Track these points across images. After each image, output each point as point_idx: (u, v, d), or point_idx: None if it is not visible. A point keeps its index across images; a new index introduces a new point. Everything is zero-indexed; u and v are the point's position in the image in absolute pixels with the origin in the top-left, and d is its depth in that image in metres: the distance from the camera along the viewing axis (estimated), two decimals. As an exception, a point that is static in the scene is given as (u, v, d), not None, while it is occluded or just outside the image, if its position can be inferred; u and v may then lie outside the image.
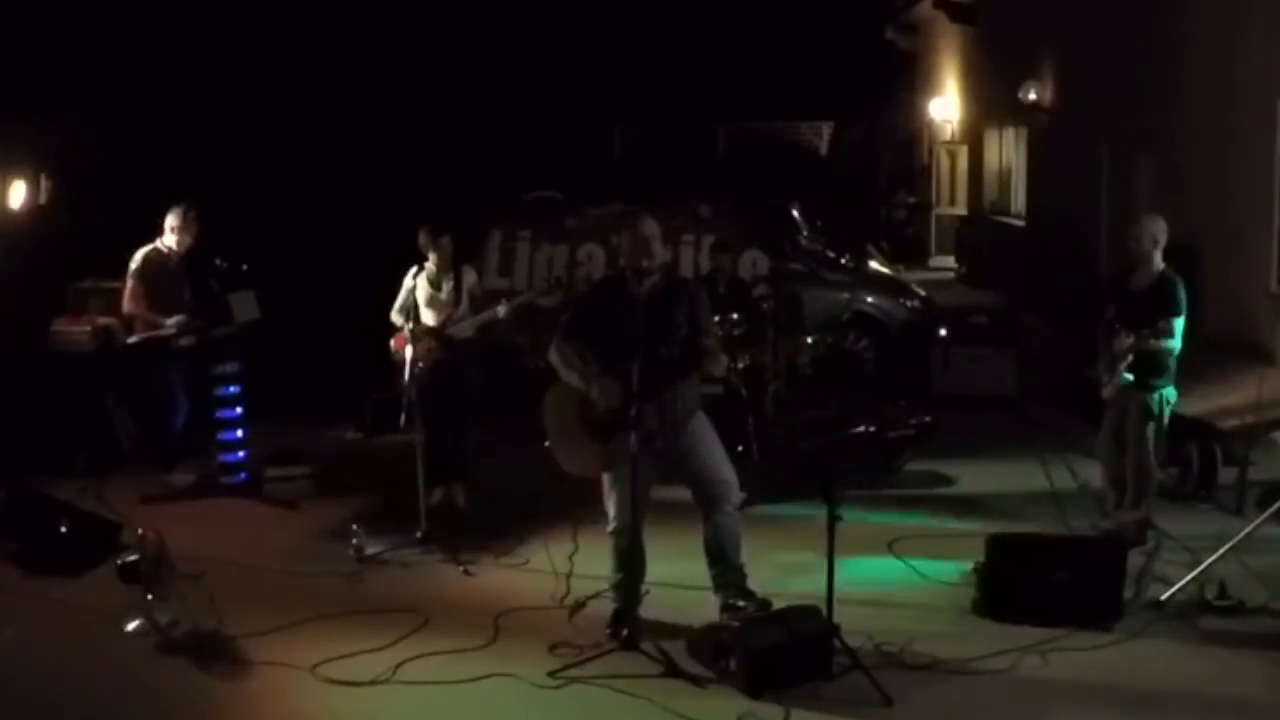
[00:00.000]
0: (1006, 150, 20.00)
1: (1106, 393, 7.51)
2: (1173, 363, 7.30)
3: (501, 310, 8.47)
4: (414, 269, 8.50)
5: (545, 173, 15.99)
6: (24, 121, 10.80)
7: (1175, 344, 7.21)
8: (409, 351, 8.12)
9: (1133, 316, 7.19)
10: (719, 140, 26.86)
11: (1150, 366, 7.24)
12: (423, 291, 8.49)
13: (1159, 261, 7.36)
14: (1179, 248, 7.54)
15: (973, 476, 9.23)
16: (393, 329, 8.57)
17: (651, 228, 6.24)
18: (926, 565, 7.28)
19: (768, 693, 5.63)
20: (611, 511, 6.37)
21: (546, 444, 6.59)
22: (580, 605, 6.72)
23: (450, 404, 8.50)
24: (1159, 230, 7.36)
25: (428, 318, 8.44)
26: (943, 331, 11.84)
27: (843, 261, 13.37)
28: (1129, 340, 7.10)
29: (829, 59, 25.54)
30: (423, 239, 8.52)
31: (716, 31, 26.32)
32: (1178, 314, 7.18)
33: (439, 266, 8.52)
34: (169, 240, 9.04)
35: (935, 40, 23.95)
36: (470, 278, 8.72)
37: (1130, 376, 7.26)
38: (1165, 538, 7.47)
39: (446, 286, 8.53)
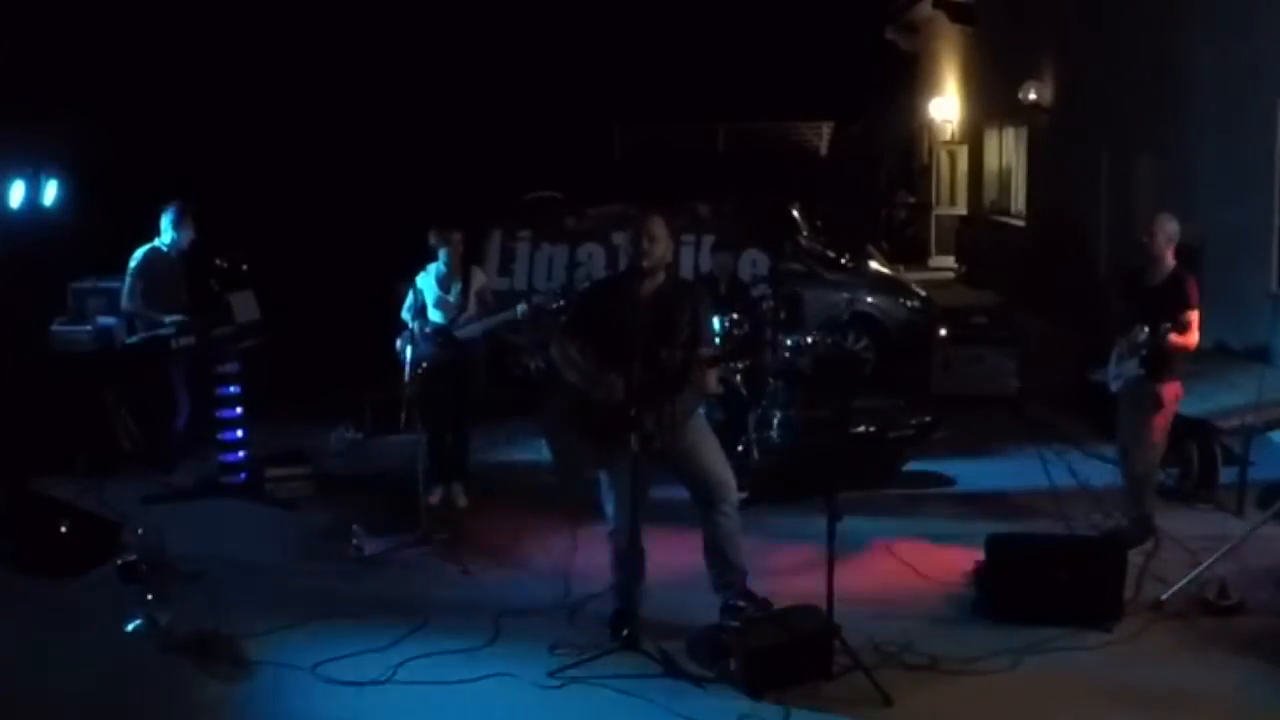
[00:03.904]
0: (1006, 150, 20.00)
1: (1116, 386, 7.54)
2: (1181, 359, 7.33)
3: (520, 310, 8.44)
4: (425, 269, 8.53)
5: (545, 173, 16.00)
6: (24, 121, 10.80)
7: (1193, 340, 7.25)
8: (409, 352, 8.13)
9: (1148, 313, 7.21)
10: (719, 140, 26.87)
11: (1164, 359, 7.26)
12: (430, 292, 8.50)
13: (1171, 260, 7.41)
14: (1179, 248, 7.58)
15: (973, 476, 9.23)
16: (401, 327, 8.56)
17: (655, 229, 6.23)
18: (926, 565, 7.29)
19: (768, 693, 5.63)
20: (610, 511, 6.37)
21: (546, 444, 6.59)
22: (580, 605, 6.72)
23: (454, 404, 8.51)
24: (1173, 230, 7.43)
25: (435, 318, 8.46)
26: (943, 331, 11.84)
27: (843, 261, 13.37)
28: (1144, 334, 7.13)
29: (829, 59, 25.54)
30: (434, 237, 8.51)
31: (716, 31, 26.32)
32: (1194, 308, 7.22)
33: (449, 265, 8.51)
34: (166, 239, 9.04)
35: (935, 40, 23.94)
36: (479, 280, 8.72)
37: (1142, 369, 7.28)
38: (1166, 538, 7.47)
39: (455, 288, 8.54)
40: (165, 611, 6.41)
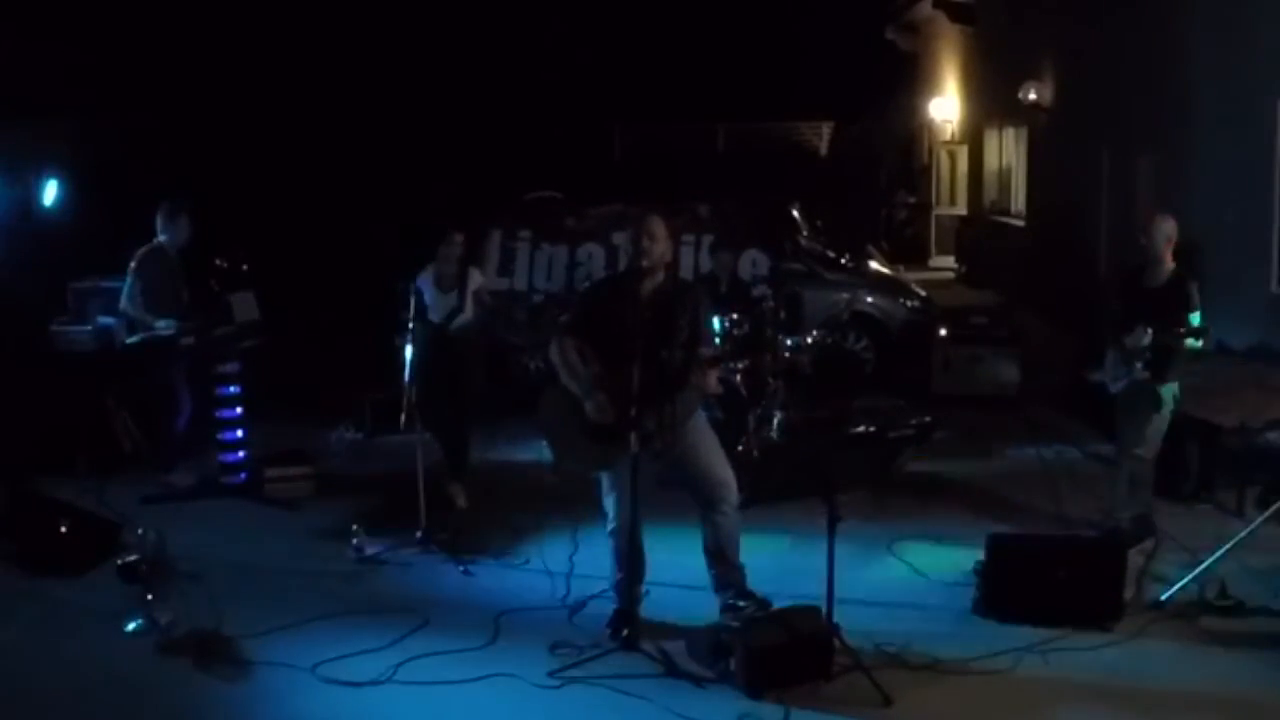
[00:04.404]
0: (1006, 150, 20.00)
1: (1115, 387, 7.55)
2: (1183, 359, 7.34)
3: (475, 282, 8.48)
4: (424, 269, 8.56)
5: (545, 173, 16.00)
6: (24, 121, 10.80)
7: (1204, 342, 7.26)
8: (409, 352, 8.14)
9: (1149, 314, 7.22)
10: (719, 140, 26.85)
11: (1166, 360, 7.27)
12: (429, 292, 8.53)
13: (1170, 260, 7.42)
14: (1179, 247, 7.58)
15: (973, 476, 9.23)
16: (401, 327, 8.58)
17: (655, 228, 6.24)
18: (926, 565, 7.29)
19: (768, 693, 5.63)
20: (610, 511, 6.37)
21: (545, 443, 6.58)
22: (580, 605, 6.73)
23: (452, 404, 8.52)
24: (1171, 230, 7.44)
25: (434, 319, 8.49)
26: (943, 331, 11.84)
27: (843, 261, 13.37)
28: (1146, 336, 7.13)
29: (829, 59, 25.53)
30: (448, 239, 8.56)
31: (716, 31, 26.31)
32: (1196, 309, 7.24)
33: (449, 266, 8.54)
34: (164, 238, 9.02)
35: (935, 40, 23.95)
36: (475, 281, 8.72)
37: (1146, 371, 7.29)
38: (1166, 538, 7.48)
39: (453, 289, 8.57)
40: (165, 611, 6.42)
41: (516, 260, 12.59)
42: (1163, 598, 6.58)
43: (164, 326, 8.79)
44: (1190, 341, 7.10)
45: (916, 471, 9.18)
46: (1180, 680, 5.85)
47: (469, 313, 8.57)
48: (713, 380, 6.49)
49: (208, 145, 15.60)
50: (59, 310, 10.28)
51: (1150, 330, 7.14)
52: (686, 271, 11.73)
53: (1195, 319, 7.23)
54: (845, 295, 12.38)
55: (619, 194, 13.10)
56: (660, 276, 6.31)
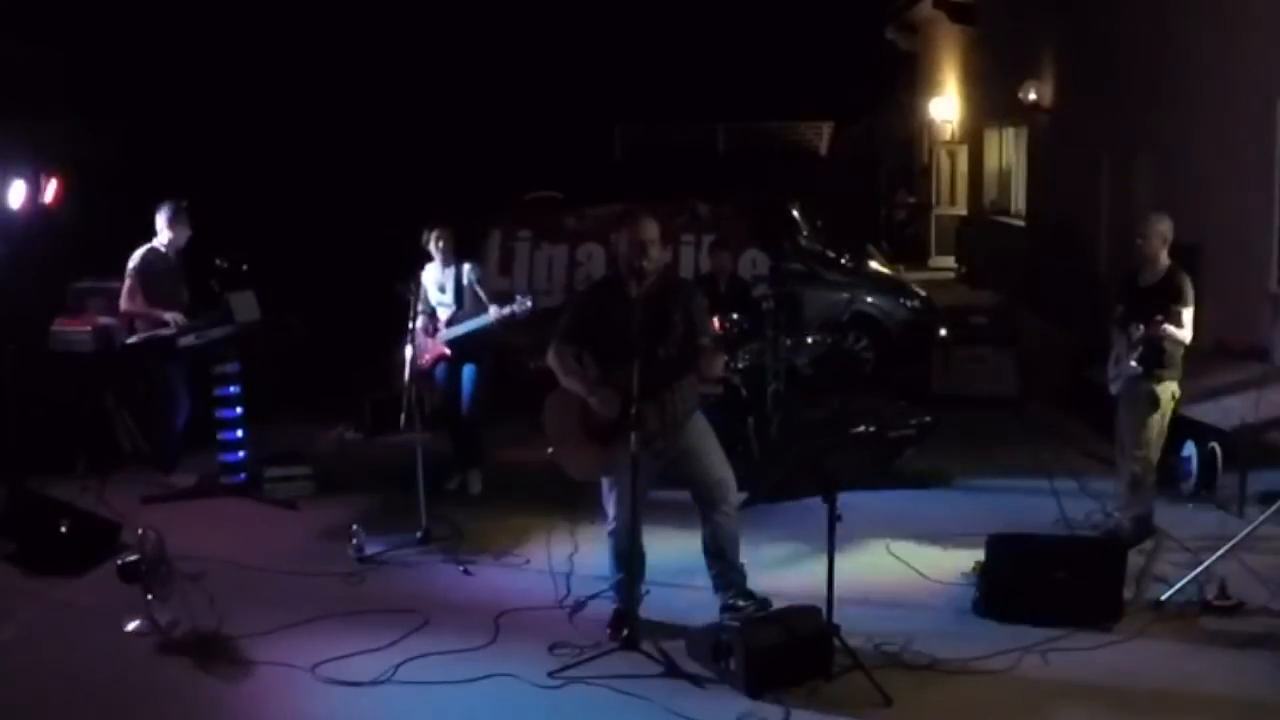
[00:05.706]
0: (1006, 150, 20.01)
1: (1115, 387, 7.56)
2: (1179, 357, 7.36)
3: (492, 313, 8.49)
4: (425, 267, 8.61)
5: (545, 173, 15.99)
6: (24, 121, 10.79)
7: (1186, 335, 7.28)
8: (409, 350, 8.14)
9: (1142, 311, 7.24)
10: (719, 140, 26.85)
11: (1158, 358, 7.28)
12: (431, 292, 8.57)
13: (1165, 258, 7.44)
14: (1179, 247, 7.60)
15: (973, 476, 9.23)
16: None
17: (651, 230, 6.23)
18: (926, 565, 7.29)
19: (768, 693, 5.63)
20: (611, 511, 6.37)
21: (549, 449, 6.57)
22: (580, 605, 6.73)
23: (461, 395, 8.57)
24: (1167, 229, 7.48)
25: (441, 315, 8.57)
26: (943, 331, 11.84)
27: (843, 261, 13.37)
28: (1139, 331, 7.16)
29: (829, 59, 25.53)
30: (426, 236, 8.60)
31: (716, 31, 26.32)
32: (1186, 304, 7.25)
33: (441, 263, 8.60)
34: (163, 239, 9.02)
35: (935, 40, 23.95)
36: (472, 274, 8.73)
37: (1139, 367, 7.31)
38: (1166, 538, 7.48)
39: (449, 286, 8.59)
40: (165, 611, 6.42)
41: (516, 260, 12.60)
42: (1163, 598, 6.58)
43: (170, 318, 8.77)
44: (1169, 329, 7.11)
45: (916, 471, 9.17)
46: (1180, 680, 5.84)
47: (468, 307, 8.59)
48: (718, 365, 6.48)
49: (208, 145, 15.60)
50: (59, 310, 10.28)
51: (1142, 327, 7.17)
52: (687, 271, 11.74)
53: (1187, 315, 7.25)
54: (845, 295, 12.41)
55: (619, 194, 13.11)
56: (653, 276, 6.30)
